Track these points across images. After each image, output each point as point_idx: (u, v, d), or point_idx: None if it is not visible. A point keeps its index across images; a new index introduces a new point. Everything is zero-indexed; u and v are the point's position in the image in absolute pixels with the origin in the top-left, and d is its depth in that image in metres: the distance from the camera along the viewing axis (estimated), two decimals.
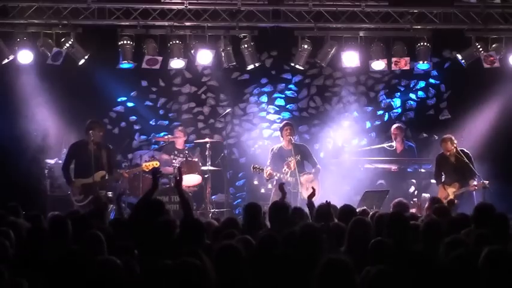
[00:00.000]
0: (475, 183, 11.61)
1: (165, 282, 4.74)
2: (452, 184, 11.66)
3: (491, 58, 12.95)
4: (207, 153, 13.08)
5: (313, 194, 8.63)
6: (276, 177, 11.88)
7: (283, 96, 14.54)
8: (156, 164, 12.19)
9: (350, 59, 13.13)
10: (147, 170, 12.26)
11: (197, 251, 5.78)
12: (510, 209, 9.20)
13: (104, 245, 6.03)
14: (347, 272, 4.57)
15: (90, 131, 11.45)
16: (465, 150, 11.91)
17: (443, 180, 11.91)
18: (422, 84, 14.51)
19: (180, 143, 13.28)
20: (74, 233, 6.69)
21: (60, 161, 12.72)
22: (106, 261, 5.07)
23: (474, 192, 11.70)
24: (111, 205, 11.85)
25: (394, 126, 13.22)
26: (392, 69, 13.45)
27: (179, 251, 5.87)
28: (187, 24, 13.01)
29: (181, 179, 7.82)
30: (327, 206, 7.86)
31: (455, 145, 11.79)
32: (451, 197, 11.46)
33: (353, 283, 4.59)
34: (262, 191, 13.00)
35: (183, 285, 4.64)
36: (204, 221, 8.00)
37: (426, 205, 9.40)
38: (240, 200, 14.15)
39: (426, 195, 12.68)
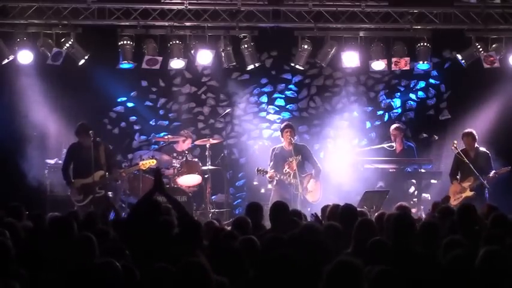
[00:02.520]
0: (491, 174, 11.65)
1: (169, 283, 4.73)
2: (468, 178, 11.70)
3: (491, 58, 12.95)
4: (207, 153, 13.08)
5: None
6: (276, 178, 11.88)
7: (283, 96, 14.53)
8: (152, 162, 12.20)
9: (350, 59, 13.13)
10: (144, 169, 12.26)
11: (195, 251, 5.79)
12: (510, 209, 9.22)
13: (95, 247, 6.01)
14: (358, 274, 4.55)
15: (91, 132, 11.45)
16: (484, 149, 12.02)
17: (458, 178, 11.89)
18: (422, 84, 14.50)
19: (181, 146, 13.27)
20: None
21: (60, 161, 12.72)
22: (106, 263, 5.05)
23: (487, 190, 11.70)
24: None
25: (393, 126, 13.21)
26: (392, 69, 13.45)
27: (178, 251, 5.88)
28: (187, 24, 13.01)
29: (162, 183, 7.65)
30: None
31: (476, 140, 11.86)
32: (467, 189, 11.55)
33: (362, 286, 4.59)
34: (262, 191, 12.99)
35: (187, 286, 4.63)
36: (205, 221, 8.03)
37: (429, 211, 9.39)
38: (240, 200, 14.15)
39: (426, 195, 12.71)
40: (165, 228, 6.58)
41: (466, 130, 12.04)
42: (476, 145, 11.94)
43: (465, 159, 11.65)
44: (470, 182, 11.69)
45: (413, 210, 11.37)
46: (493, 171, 11.73)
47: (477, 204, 11.40)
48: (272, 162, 12.00)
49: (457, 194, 11.57)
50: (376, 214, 8.51)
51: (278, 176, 11.83)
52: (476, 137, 11.97)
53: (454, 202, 11.18)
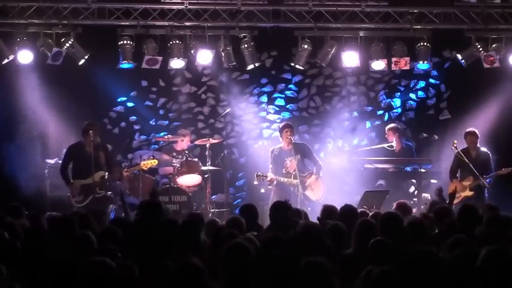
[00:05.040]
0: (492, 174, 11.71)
1: (167, 284, 4.73)
2: (467, 178, 11.74)
3: (491, 58, 12.96)
4: (207, 153, 13.08)
5: None
6: (276, 181, 11.88)
7: (283, 96, 14.54)
8: (154, 162, 12.22)
9: (350, 59, 13.13)
10: (145, 169, 12.27)
11: (188, 253, 5.79)
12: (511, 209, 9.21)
13: (93, 246, 6.01)
14: (326, 274, 4.58)
15: (91, 131, 11.42)
16: (485, 149, 12.06)
17: (458, 177, 11.93)
18: (422, 84, 14.51)
19: (181, 146, 13.26)
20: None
21: (60, 161, 12.70)
22: (99, 262, 5.04)
23: (486, 190, 11.73)
24: (111, 205, 11.88)
25: (387, 127, 13.24)
26: (392, 69, 13.46)
27: (175, 252, 5.88)
28: (187, 24, 13.01)
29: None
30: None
31: (478, 139, 11.90)
32: (467, 189, 11.61)
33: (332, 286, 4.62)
34: (262, 191, 13.00)
35: (184, 286, 4.63)
36: (208, 219, 8.02)
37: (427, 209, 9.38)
38: (240, 200, 14.14)
39: (426, 195, 12.70)
40: (166, 228, 6.57)
41: (470, 129, 12.08)
42: (478, 145, 11.97)
43: (466, 159, 11.66)
44: (470, 181, 11.75)
45: (415, 210, 11.38)
46: (492, 173, 11.75)
47: (476, 204, 11.48)
48: (272, 165, 11.99)
49: (457, 192, 11.58)
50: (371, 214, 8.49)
51: (278, 178, 11.83)
52: (479, 136, 12.01)
53: (454, 201, 11.20)
